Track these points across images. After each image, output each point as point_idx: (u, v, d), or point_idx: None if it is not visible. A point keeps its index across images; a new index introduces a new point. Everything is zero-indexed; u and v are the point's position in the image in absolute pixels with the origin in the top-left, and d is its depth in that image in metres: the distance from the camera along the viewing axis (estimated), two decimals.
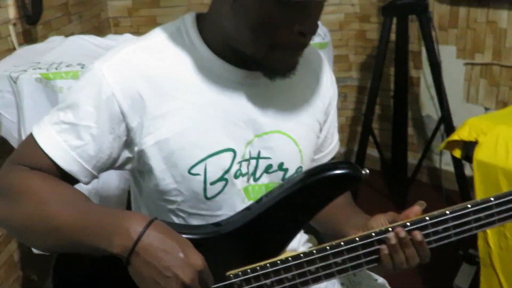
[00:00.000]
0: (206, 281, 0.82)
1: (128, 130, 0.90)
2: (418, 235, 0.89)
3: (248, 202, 0.98)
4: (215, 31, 0.92)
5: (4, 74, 1.62)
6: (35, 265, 2.08)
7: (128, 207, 1.72)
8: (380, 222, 0.95)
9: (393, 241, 0.89)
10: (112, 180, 1.65)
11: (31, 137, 0.90)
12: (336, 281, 1.14)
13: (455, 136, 1.57)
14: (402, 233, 0.89)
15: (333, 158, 1.17)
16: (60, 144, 0.88)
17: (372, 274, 1.18)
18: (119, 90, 0.88)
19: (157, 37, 0.95)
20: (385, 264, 0.90)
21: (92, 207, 0.85)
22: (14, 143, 1.72)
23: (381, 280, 1.18)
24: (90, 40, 1.88)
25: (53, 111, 0.92)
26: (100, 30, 2.88)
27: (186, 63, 0.93)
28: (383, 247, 0.89)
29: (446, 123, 2.45)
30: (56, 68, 1.59)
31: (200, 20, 0.95)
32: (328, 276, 0.91)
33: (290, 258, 0.89)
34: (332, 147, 1.15)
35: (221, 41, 0.91)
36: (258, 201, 0.95)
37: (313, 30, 0.85)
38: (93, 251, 0.82)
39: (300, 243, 1.14)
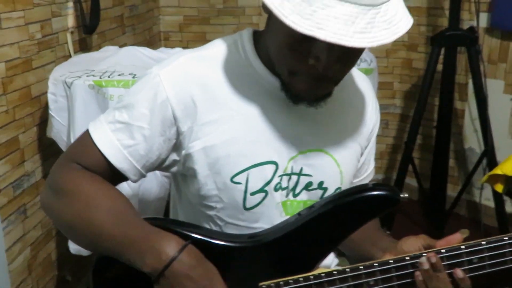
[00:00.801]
0: None
1: (178, 133, 0.94)
2: (459, 272, 0.88)
3: (286, 217, 1.00)
4: (266, 47, 0.95)
5: (59, 79, 1.70)
6: (71, 266, 2.14)
7: (166, 215, 1.76)
8: (413, 246, 0.95)
9: (426, 266, 0.88)
10: (153, 188, 1.69)
11: (87, 134, 0.95)
12: None
13: (498, 171, 1.55)
14: (433, 258, 0.88)
15: None
16: (113, 142, 0.92)
17: None
18: (174, 95, 0.92)
19: (214, 48, 0.99)
20: None
21: (132, 220, 0.89)
22: (63, 145, 1.78)
23: None
24: (143, 52, 1.94)
25: (109, 110, 0.97)
26: (151, 43, 2.97)
27: (239, 75, 0.96)
28: (417, 273, 0.89)
29: (489, 157, 2.41)
30: (109, 76, 1.65)
31: (257, 36, 0.99)
32: None
33: (323, 274, 0.90)
34: (368, 173, 1.16)
35: (270, 56, 0.94)
36: (296, 216, 0.97)
37: (327, 69, 0.85)
38: (126, 263, 0.86)
39: (332, 265, 1.14)
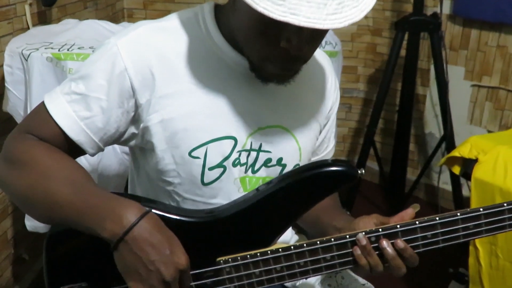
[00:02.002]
0: (185, 281, 0.84)
1: (137, 106, 0.92)
2: (399, 243, 0.90)
3: (244, 193, 1.00)
4: (229, 23, 0.93)
5: (16, 51, 1.64)
6: (28, 244, 2.09)
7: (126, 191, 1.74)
8: (367, 224, 0.96)
9: (363, 241, 0.90)
10: (112, 165, 1.66)
11: (42, 105, 0.92)
12: (325, 284, 1.15)
13: (455, 153, 1.58)
14: (363, 240, 0.90)
15: None
16: (69, 113, 0.90)
17: (360, 278, 1.19)
18: (132, 66, 0.90)
19: (174, 20, 0.97)
20: (361, 265, 0.91)
21: (91, 188, 0.86)
22: (19, 120, 1.73)
23: (369, 285, 1.19)
24: (104, 26, 1.90)
25: (65, 81, 0.94)
26: (114, 19, 2.90)
27: (200, 48, 0.95)
28: (355, 247, 0.91)
29: (448, 142, 2.46)
30: (68, 50, 1.61)
31: (218, 10, 0.97)
32: (316, 271, 0.92)
33: (280, 249, 0.90)
34: (327, 151, 1.17)
35: (233, 33, 0.93)
36: (254, 191, 0.96)
37: (300, 50, 0.85)
38: (85, 231, 0.83)
39: (291, 241, 1.15)
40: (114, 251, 0.81)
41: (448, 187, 2.58)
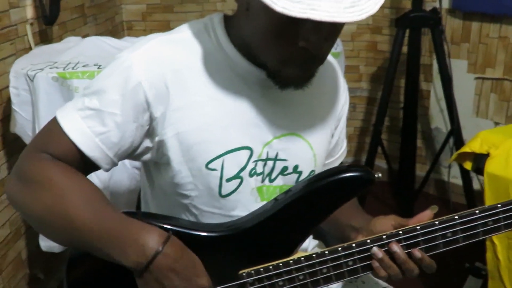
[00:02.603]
0: None
1: (151, 119, 0.92)
2: (416, 252, 0.91)
3: (261, 203, 0.99)
4: (239, 33, 0.93)
5: (21, 72, 1.64)
6: (42, 264, 2.09)
7: (138, 207, 1.73)
8: (385, 225, 0.97)
9: (379, 255, 0.91)
10: (123, 181, 1.66)
11: (54, 122, 0.91)
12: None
13: (466, 148, 1.57)
14: (379, 253, 0.91)
15: (341, 163, 1.19)
16: (84, 129, 0.88)
17: (381, 282, 1.18)
18: (146, 80, 0.89)
19: (185, 32, 0.96)
20: (381, 276, 0.92)
21: (110, 213, 0.85)
22: (28, 140, 1.74)
23: None
24: (107, 42, 1.90)
25: (77, 97, 0.93)
26: (114, 33, 2.91)
27: (211, 60, 0.94)
28: (373, 260, 0.92)
29: (456, 136, 2.46)
30: (72, 68, 1.61)
31: (227, 21, 0.97)
32: (339, 277, 0.92)
33: (302, 258, 0.90)
34: (341, 152, 1.17)
35: (244, 42, 0.93)
36: (272, 201, 0.96)
37: (318, 49, 0.85)
38: (105, 258, 0.83)
39: (309, 247, 1.15)
40: (137, 279, 0.82)
41: (458, 181, 2.57)
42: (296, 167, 1.01)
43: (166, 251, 0.81)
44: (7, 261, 1.87)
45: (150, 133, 0.94)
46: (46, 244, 1.71)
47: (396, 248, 0.91)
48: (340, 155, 1.17)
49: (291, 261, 0.90)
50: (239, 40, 0.94)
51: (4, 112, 1.82)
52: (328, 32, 0.84)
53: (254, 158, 0.97)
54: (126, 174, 1.66)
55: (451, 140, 2.51)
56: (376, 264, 0.91)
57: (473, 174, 2.49)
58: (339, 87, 1.10)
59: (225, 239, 0.92)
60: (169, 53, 0.92)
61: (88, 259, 0.89)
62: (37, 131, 1.61)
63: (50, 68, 1.63)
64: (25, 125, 1.70)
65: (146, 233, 0.82)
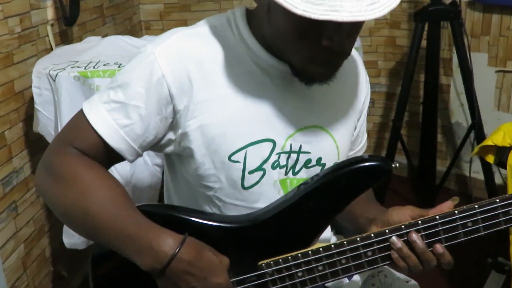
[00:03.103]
0: None
1: (175, 112, 0.93)
2: (438, 247, 0.91)
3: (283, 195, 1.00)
4: (261, 29, 0.94)
5: (43, 72, 1.67)
6: (66, 261, 2.13)
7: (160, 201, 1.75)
8: (402, 215, 0.96)
9: (398, 244, 0.91)
10: (145, 178, 1.68)
11: (81, 115, 0.93)
12: (368, 283, 1.14)
13: (488, 141, 1.56)
14: (398, 243, 0.91)
15: None
16: (109, 122, 0.91)
17: (402, 276, 1.18)
18: (170, 73, 0.90)
19: (207, 25, 0.97)
20: (401, 267, 0.92)
21: (129, 213, 0.87)
22: (51, 139, 1.76)
23: (412, 282, 1.18)
24: (127, 40, 1.92)
25: (103, 90, 0.95)
26: (132, 33, 2.93)
27: (234, 53, 0.95)
28: (392, 251, 0.91)
29: (477, 130, 2.43)
30: (94, 67, 1.63)
31: (249, 15, 0.98)
32: (358, 268, 0.92)
33: (321, 249, 0.90)
34: (362, 145, 1.18)
35: (267, 38, 0.93)
36: (290, 193, 0.97)
37: (340, 47, 0.86)
38: (123, 255, 0.86)
39: (331, 241, 1.15)
40: (156, 280, 0.85)
41: (480, 176, 2.54)
42: (319, 159, 1.01)
43: (181, 256, 0.82)
44: (31, 259, 1.90)
45: (173, 125, 0.95)
46: (69, 241, 1.73)
47: (415, 237, 0.90)
48: (360, 148, 1.17)
49: (310, 252, 0.91)
50: (261, 34, 0.94)
51: (27, 112, 1.85)
52: (350, 29, 0.85)
53: (277, 150, 0.97)
54: (147, 171, 1.68)
55: (472, 135, 2.48)
56: (395, 254, 0.91)
57: (495, 169, 2.46)
58: (361, 80, 1.10)
59: (245, 230, 0.93)
60: (192, 46, 0.93)
61: (112, 256, 0.90)
62: (59, 130, 1.64)
63: (72, 67, 1.65)
64: (48, 124, 1.73)
65: (160, 238, 0.83)
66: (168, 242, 0.83)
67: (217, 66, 0.94)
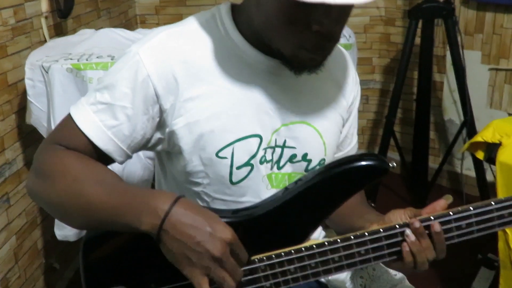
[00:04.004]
0: (238, 252, 0.84)
1: (162, 111, 0.93)
2: (436, 226, 0.89)
3: (272, 190, 1.00)
4: (248, 22, 0.94)
5: (36, 64, 1.67)
6: (58, 253, 2.13)
7: None
8: (400, 216, 0.96)
9: (412, 237, 0.90)
10: (137, 171, 1.68)
11: (69, 117, 0.93)
12: (356, 276, 1.15)
13: (478, 138, 1.57)
14: (416, 223, 0.89)
15: None
16: (96, 123, 0.91)
17: (390, 269, 1.19)
18: (155, 73, 0.91)
19: (192, 23, 0.98)
20: (407, 261, 0.91)
21: (123, 186, 0.88)
22: (43, 131, 1.76)
23: (400, 275, 1.19)
24: (120, 33, 1.92)
25: (90, 92, 0.95)
26: (128, 26, 2.93)
27: (220, 49, 0.95)
28: (404, 243, 0.90)
29: (469, 128, 2.44)
30: (87, 59, 1.63)
31: (235, 10, 0.98)
32: (351, 266, 0.92)
33: (314, 246, 0.91)
34: (351, 147, 1.17)
35: (253, 31, 0.94)
36: (285, 189, 0.97)
37: (332, 31, 0.86)
38: (124, 229, 0.85)
39: (320, 237, 1.15)
40: (160, 244, 0.83)
41: (472, 173, 2.56)
42: (305, 155, 1.02)
43: (178, 209, 0.81)
44: (23, 251, 1.91)
45: (161, 124, 0.95)
46: (61, 233, 1.74)
47: (438, 227, 0.89)
48: (350, 149, 1.16)
49: (303, 248, 0.91)
50: (248, 29, 0.95)
51: (20, 104, 1.85)
52: (339, 13, 0.85)
53: (263, 145, 0.97)
54: (139, 164, 1.69)
55: (464, 132, 2.50)
56: (406, 248, 0.90)
57: (486, 166, 2.48)
58: (350, 78, 1.10)
59: (238, 224, 0.93)
60: (178, 45, 0.94)
61: (103, 240, 0.91)
62: (52, 122, 1.64)
63: (65, 59, 1.65)
64: (41, 116, 1.73)
65: (157, 196, 0.83)
66: (164, 197, 0.83)
67: (203, 63, 0.94)
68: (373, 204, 2.38)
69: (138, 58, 0.91)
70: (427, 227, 0.90)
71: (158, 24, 3.11)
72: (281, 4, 0.81)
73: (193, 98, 0.93)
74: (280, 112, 0.98)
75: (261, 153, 0.98)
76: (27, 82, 1.71)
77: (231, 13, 0.97)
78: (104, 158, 0.94)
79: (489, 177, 2.47)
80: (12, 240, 1.83)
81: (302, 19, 0.84)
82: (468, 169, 2.73)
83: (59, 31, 2.13)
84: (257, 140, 0.97)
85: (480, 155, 1.60)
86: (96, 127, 0.91)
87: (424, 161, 2.75)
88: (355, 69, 1.13)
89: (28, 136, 1.90)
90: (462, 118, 2.49)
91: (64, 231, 1.72)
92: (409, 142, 2.86)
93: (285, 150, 1.00)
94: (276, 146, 0.99)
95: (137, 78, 0.91)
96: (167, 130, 0.95)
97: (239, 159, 0.96)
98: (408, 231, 0.90)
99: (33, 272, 1.98)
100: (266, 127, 0.97)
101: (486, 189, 2.47)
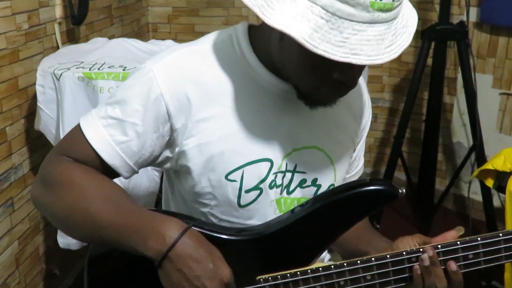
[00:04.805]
0: None
1: (172, 130, 0.93)
2: (453, 265, 0.90)
3: (279, 214, 0.99)
4: (266, 47, 0.93)
5: (48, 71, 1.67)
6: (58, 260, 2.12)
7: (156, 207, 1.74)
8: (408, 244, 0.95)
9: (427, 262, 0.89)
10: (143, 182, 1.67)
11: (78, 128, 0.93)
12: None
13: (489, 165, 1.56)
14: (430, 252, 0.89)
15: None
16: (105, 138, 0.90)
17: None
18: (168, 91, 0.90)
19: (208, 43, 0.97)
20: (416, 285, 0.91)
21: (130, 206, 0.87)
22: (51, 138, 1.76)
23: None
24: (133, 44, 1.92)
25: (101, 105, 0.94)
26: (140, 34, 2.94)
27: (234, 71, 0.95)
28: (416, 266, 0.90)
29: (478, 151, 2.42)
30: (98, 69, 1.63)
31: (252, 31, 0.97)
32: None
33: (320, 269, 0.90)
34: (358, 169, 1.16)
35: (270, 56, 0.93)
36: (293, 210, 0.96)
37: (351, 81, 0.86)
38: (127, 249, 0.84)
39: (325, 260, 1.14)
40: (159, 269, 0.82)
41: (478, 197, 2.54)
42: (315, 180, 1.01)
43: (185, 240, 0.81)
44: (24, 256, 1.90)
45: (170, 143, 0.95)
46: (64, 241, 1.73)
47: (454, 267, 0.90)
48: (356, 172, 1.15)
49: (309, 271, 0.90)
50: (265, 53, 0.94)
51: (29, 109, 1.85)
52: (360, 66, 0.85)
53: (274, 170, 0.97)
54: (145, 175, 1.68)
55: (472, 156, 2.49)
56: (418, 271, 0.90)
57: (494, 191, 2.46)
58: (363, 103, 1.09)
59: (245, 243, 0.93)
60: (192, 64, 0.93)
61: (108, 258, 0.91)
62: (61, 129, 1.64)
63: (77, 68, 1.65)
64: (49, 123, 1.73)
65: (166, 223, 0.83)
66: (173, 226, 0.83)
67: (216, 84, 0.93)
68: (378, 226, 2.36)
69: (151, 76, 0.91)
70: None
71: (170, 33, 3.11)
72: (305, 52, 0.79)
73: (205, 119, 0.92)
74: (292, 137, 0.98)
75: (271, 177, 0.97)
76: (38, 88, 1.71)
77: (248, 34, 0.96)
78: (110, 172, 0.93)
79: (496, 202, 2.45)
80: (14, 245, 1.83)
81: (324, 68, 0.84)
82: (474, 193, 2.70)
83: (71, 37, 2.14)
84: (267, 164, 0.96)
85: (490, 182, 1.59)
86: (105, 141, 0.91)
87: (430, 182, 2.72)
88: (368, 93, 1.12)
89: (36, 142, 1.90)
90: (471, 141, 2.47)
91: (67, 239, 1.71)
92: (416, 162, 2.84)
93: (296, 175, 0.99)
94: (287, 170, 0.98)
95: (150, 96, 0.90)
96: (177, 149, 0.94)
97: (248, 183, 0.95)
98: (424, 256, 0.90)
99: (33, 278, 1.97)
100: (277, 152, 0.96)
101: (493, 215, 2.44)
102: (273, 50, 0.91)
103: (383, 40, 0.77)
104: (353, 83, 0.87)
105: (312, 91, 0.89)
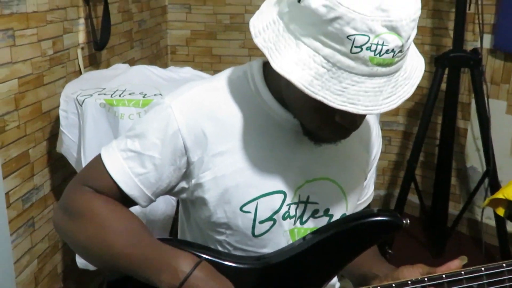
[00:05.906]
0: None
1: (189, 163, 0.97)
2: None
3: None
4: (278, 82, 0.97)
5: (71, 96, 1.73)
6: (75, 278, 2.16)
7: (171, 232, 1.78)
8: (411, 273, 0.98)
9: None
10: (160, 206, 1.71)
11: (99, 159, 0.98)
12: None
13: (499, 195, 1.58)
14: None
15: (367, 207, 1.21)
16: (125, 169, 0.95)
17: None
18: (185, 127, 0.95)
19: (224, 79, 1.02)
20: None
21: (146, 239, 0.92)
22: (73, 161, 1.81)
23: None
24: (153, 71, 1.98)
25: (121, 137, 1.00)
26: (158, 56, 3.01)
27: (249, 106, 0.99)
28: None
29: (491, 177, 2.44)
30: (120, 95, 1.69)
31: (266, 68, 1.01)
32: None
33: None
34: (367, 196, 1.19)
35: (283, 95, 0.97)
36: (302, 239, 1.00)
37: (351, 126, 0.89)
38: (141, 280, 0.89)
39: (335, 287, 1.17)
40: None
41: (492, 222, 2.55)
42: (327, 210, 1.04)
43: (197, 274, 0.86)
44: (43, 274, 1.94)
45: (187, 175, 0.99)
46: (82, 261, 1.77)
47: None
48: (366, 199, 1.19)
49: None
50: (278, 90, 0.97)
51: (51, 132, 1.91)
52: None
53: (287, 201, 1.00)
54: (162, 199, 1.72)
55: (486, 180, 2.49)
56: None
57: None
58: (374, 133, 1.13)
59: (258, 271, 0.96)
60: (209, 101, 0.98)
61: (124, 284, 0.94)
62: (82, 153, 1.69)
63: (99, 94, 1.71)
64: (71, 147, 1.79)
65: (179, 258, 0.88)
66: (186, 260, 0.87)
67: (231, 119, 0.98)
68: (390, 251, 2.37)
69: (170, 111, 0.95)
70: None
71: (188, 56, 3.18)
72: (307, 95, 0.82)
73: (221, 153, 0.97)
74: (304, 169, 1.01)
75: (284, 209, 1.00)
76: (61, 113, 1.77)
77: (262, 71, 1.01)
78: (129, 201, 0.98)
79: (509, 227, 2.45)
80: (34, 263, 1.87)
81: (327, 111, 0.86)
82: (488, 217, 2.70)
83: (93, 61, 2.21)
84: (281, 196, 0.99)
85: (501, 211, 1.60)
86: (124, 173, 0.95)
87: (444, 206, 2.73)
88: (378, 122, 1.15)
89: (57, 163, 1.96)
90: (484, 166, 2.48)
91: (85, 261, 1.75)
92: (430, 186, 2.85)
93: (308, 205, 1.03)
94: (300, 202, 1.02)
95: (168, 131, 0.95)
96: (193, 181, 0.99)
97: (262, 214, 0.99)
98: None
99: None
100: (290, 184, 1.00)
101: (506, 240, 2.45)
102: (281, 86, 0.95)
103: (381, 92, 0.80)
104: (354, 127, 0.90)
105: (316, 131, 0.93)
